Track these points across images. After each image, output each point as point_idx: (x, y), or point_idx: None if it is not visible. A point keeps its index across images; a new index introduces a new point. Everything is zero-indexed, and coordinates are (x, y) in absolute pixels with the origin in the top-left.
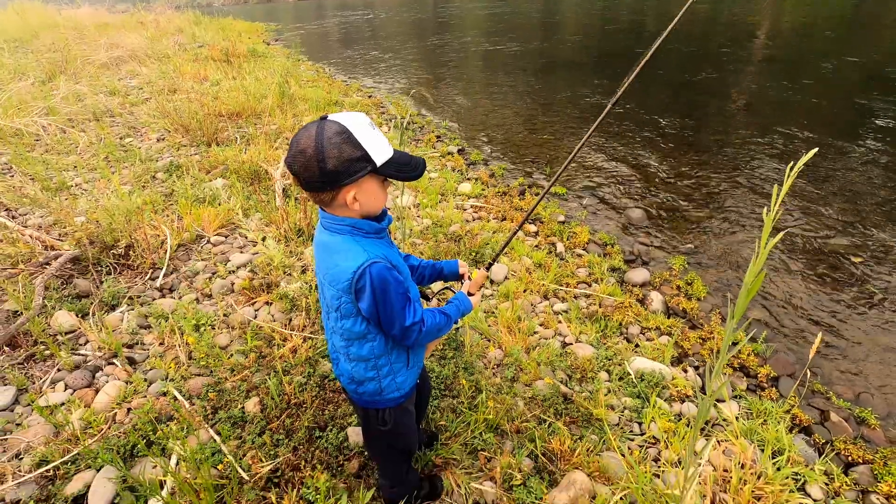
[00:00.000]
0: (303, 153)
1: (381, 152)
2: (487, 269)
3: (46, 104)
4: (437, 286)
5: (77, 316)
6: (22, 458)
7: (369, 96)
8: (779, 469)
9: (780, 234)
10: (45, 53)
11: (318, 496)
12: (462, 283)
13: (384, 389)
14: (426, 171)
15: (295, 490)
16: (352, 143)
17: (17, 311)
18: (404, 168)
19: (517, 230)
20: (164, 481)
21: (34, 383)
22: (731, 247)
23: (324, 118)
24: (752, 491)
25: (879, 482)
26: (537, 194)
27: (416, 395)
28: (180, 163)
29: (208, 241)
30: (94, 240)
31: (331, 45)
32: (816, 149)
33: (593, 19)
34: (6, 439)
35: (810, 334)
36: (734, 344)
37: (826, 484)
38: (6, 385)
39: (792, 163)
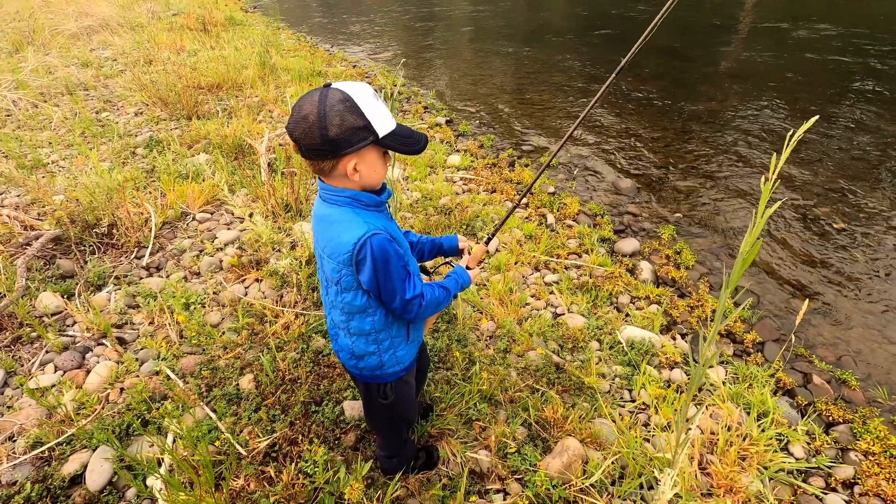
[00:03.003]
0: (305, 119)
1: (383, 123)
2: (486, 243)
3: (15, 77)
4: (434, 261)
5: (62, 297)
6: (15, 441)
7: (353, 66)
8: (763, 430)
9: (777, 204)
10: (9, 23)
11: (316, 469)
12: (461, 258)
13: (385, 364)
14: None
15: (293, 464)
16: (355, 111)
17: (0, 294)
18: (406, 141)
19: (516, 205)
20: (162, 459)
21: (22, 366)
22: (718, 216)
23: (327, 85)
24: (738, 452)
25: (858, 440)
26: (526, 165)
27: (416, 367)
28: (160, 138)
29: (194, 218)
30: (76, 219)
31: (311, 13)
32: (816, 117)
33: None
34: None
35: (794, 300)
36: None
37: (808, 443)
38: None
39: (791, 131)
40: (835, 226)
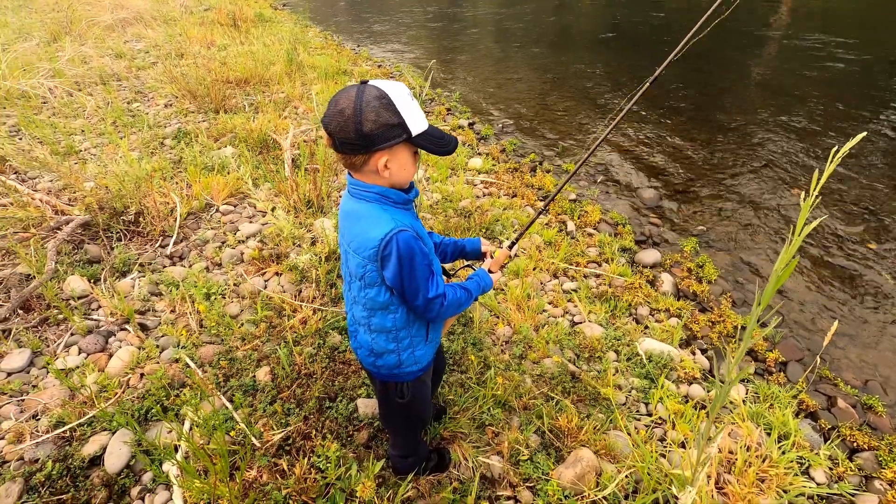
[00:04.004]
0: (341, 113)
1: (417, 123)
2: (510, 247)
3: (52, 66)
4: (457, 263)
5: (89, 281)
6: (39, 419)
7: (378, 65)
8: (784, 453)
9: (816, 222)
10: (48, 13)
11: (328, 465)
12: (483, 261)
13: (403, 362)
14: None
15: (306, 458)
16: (390, 109)
17: (30, 275)
18: (438, 142)
19: (541, 212)
20: (179, 446)
21: (48, 346)
22: (743, 231)
23: (364, 82)
24: (757, 473)
25: (884, 468)
26: (548, 171)
27: (432, 368)
28: (188, 130)
29: (217, 210)
30: (104, 205)
31: (338, 12)
32: (864, 133)
33: None
34: (23, 400)
35: (820, 320)
36: (745, 330)
37: (830, 468)
38: (21, 347)
39: (836, 147)
40: (867, 245)
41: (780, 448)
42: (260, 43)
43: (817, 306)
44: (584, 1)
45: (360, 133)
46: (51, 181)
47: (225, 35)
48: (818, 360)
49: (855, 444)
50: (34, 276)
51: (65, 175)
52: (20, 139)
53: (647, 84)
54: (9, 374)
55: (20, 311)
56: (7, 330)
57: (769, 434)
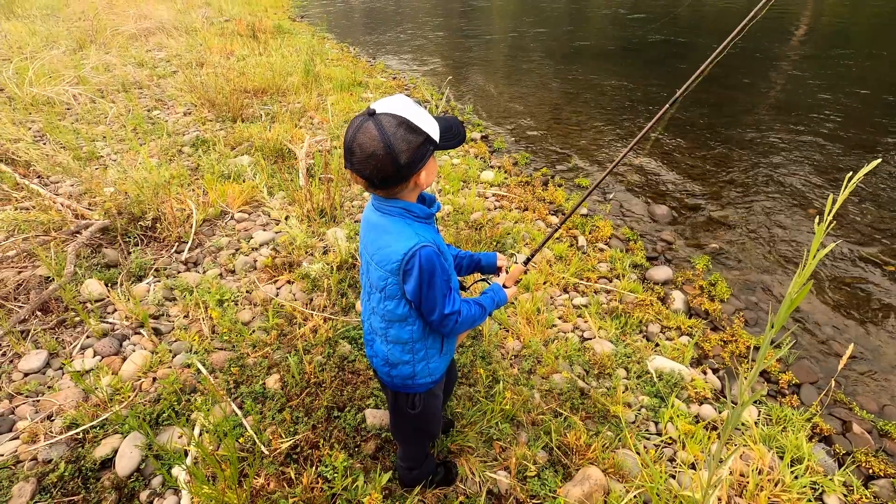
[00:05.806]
0: (373, 156)
1: (433, 129)
2: (525, 263)
3: (77, 73)
4: (470, 278)
5: (106, 285)
6: (53, 420)
7: (393, 78)
8: (797, 477)
9: (830, 246)
10: (75, 22)
11: (335, 475)
12: (498, 276)
13: (417, 374)
14: (450, 157)
15: (313, 467)
16: (413, 129)
17: (49, 278)
18: (450, 135)
19: (557, 228)
20: (189, 450)
21: (64, 348)
22: (757, 249)
23: (371, 114)
24: (769, 498)
25: None
26: (560, 185)
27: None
28: (206, 138)
29: (232, 218)
30: (123, 211)
31: (355, 24)
32: (878, 160)
33: (624, 6)
34: (38, 401)
35: (835, 342)
36: (760, 350)
37: (845, 495)
38: (38, 348)
39: (850, 173)
40: (885, 266)
41: (793, 472)
42: (278, 54)
43: (832, 328)
44: (594, 15)
45: (399, 166)
46: (72, 186)
47: (244, 46)
48: (833, 383)
49: (871, 471)
50: (53, 279)
51: (86, 180)
52: (44, 144)
53: (681, 93)
54: (26, 375)
55: (39, 313)
56: (26, 331)
57: (782, 458)
